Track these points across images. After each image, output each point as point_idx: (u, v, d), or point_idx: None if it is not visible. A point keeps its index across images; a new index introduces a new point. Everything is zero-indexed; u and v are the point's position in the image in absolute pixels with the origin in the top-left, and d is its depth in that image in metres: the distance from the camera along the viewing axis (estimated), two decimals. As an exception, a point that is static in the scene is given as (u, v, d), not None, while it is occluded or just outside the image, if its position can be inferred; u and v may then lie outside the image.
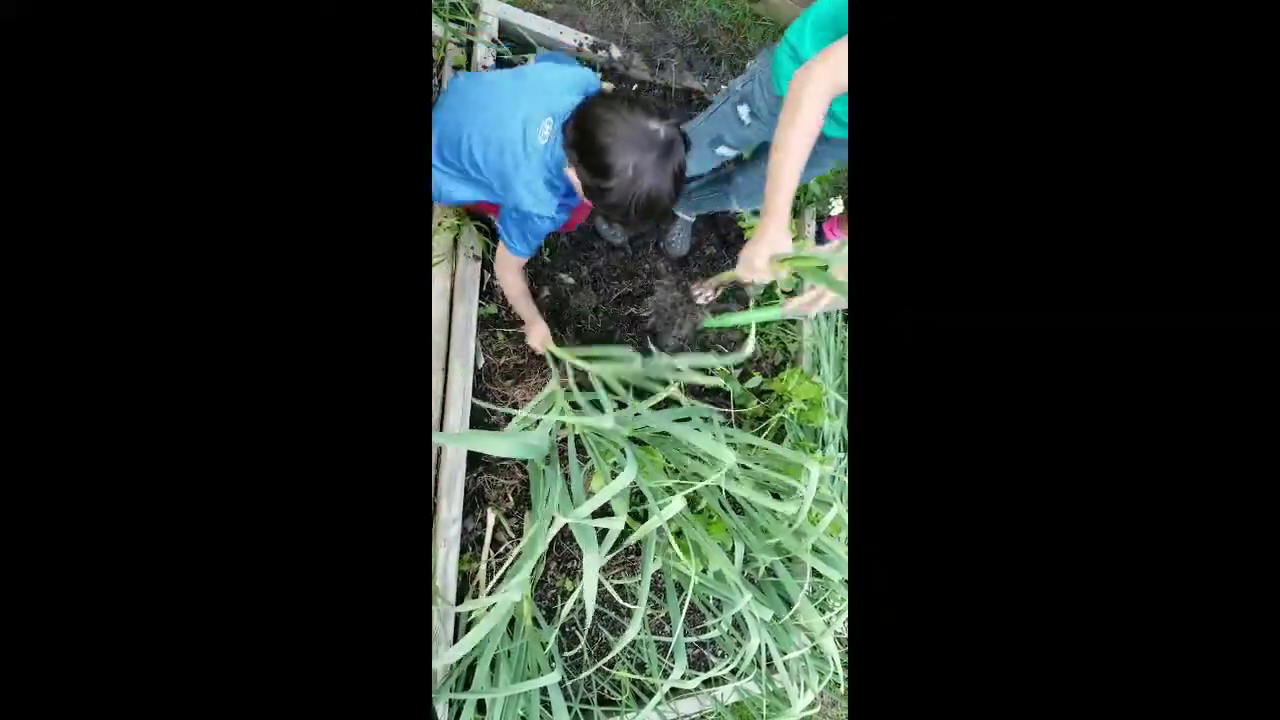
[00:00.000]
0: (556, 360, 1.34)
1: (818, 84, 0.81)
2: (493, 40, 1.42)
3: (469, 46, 1.41)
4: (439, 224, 1.33)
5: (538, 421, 1.19)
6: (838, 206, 1.92)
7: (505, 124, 0.98)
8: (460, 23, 1.40)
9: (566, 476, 1.19)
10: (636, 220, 0.93)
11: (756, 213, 1.75)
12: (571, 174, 0.96)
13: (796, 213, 1.87)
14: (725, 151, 1.25)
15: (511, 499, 1.39)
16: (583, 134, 0.90)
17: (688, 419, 1.28)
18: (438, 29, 1.37)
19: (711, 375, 1.22)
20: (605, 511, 1.05)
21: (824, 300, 1.07)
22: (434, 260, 1.32)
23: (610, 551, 1.17)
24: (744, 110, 1.16)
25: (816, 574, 1.22)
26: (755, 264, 0.91)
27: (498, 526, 1.36)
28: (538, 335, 1.32)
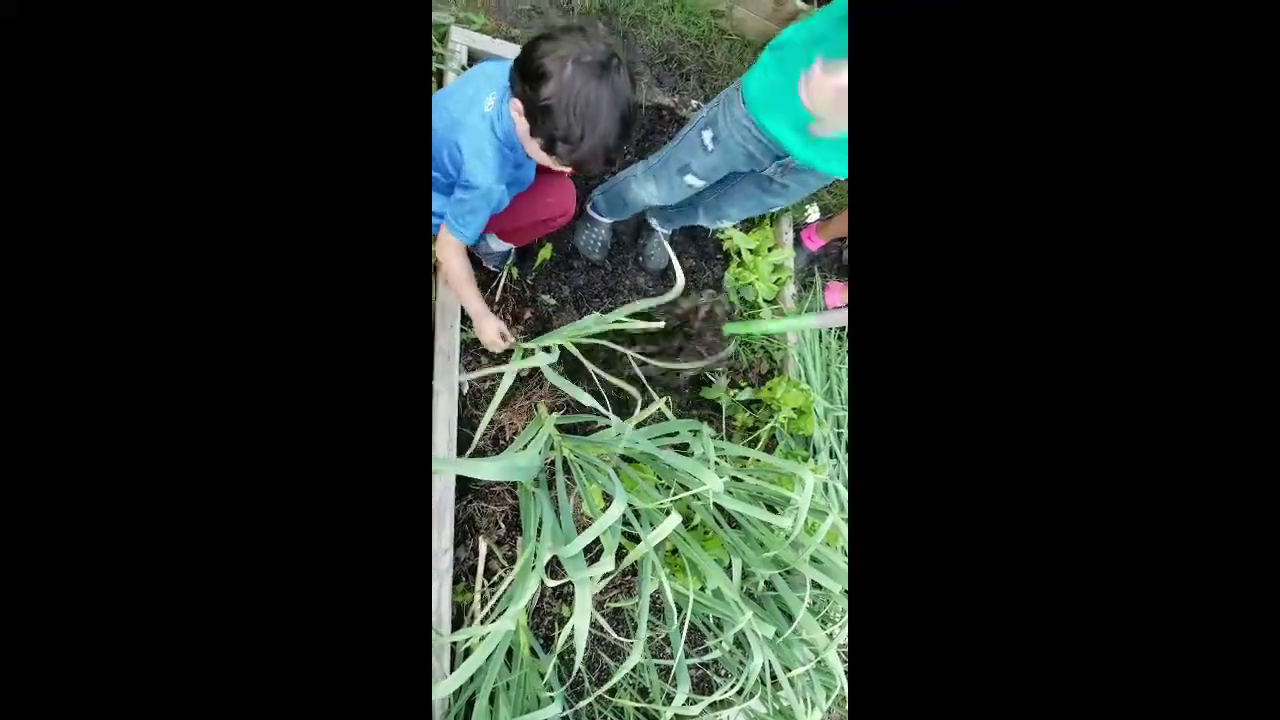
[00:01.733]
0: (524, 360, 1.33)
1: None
2: (462, 68, 1.42)
3: (439, 75, 1.42)
4: (416, 251, 1.32)
5: (526, 444, 1.17)
6: (814, 213, 1.94)
7: (451, 110, 1.05)
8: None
9: (555, 502, 1.17)
10: (577, 137, 0.91)
11: (743, 224, 1.77)
12: (515, 113, 0.96)
13: (773, 220, 1.88)
14: (693, 181, 1.28)
15: (503, 525, 1.37)
16: (524, 52, 0.92)
17: (675, 434, 1.26)
18: (406, 58, 1.37)
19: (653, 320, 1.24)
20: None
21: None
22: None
23: (605, 574, 1.15)
24: (708, 135, 1.18)
25: (817, 586, 1.20)
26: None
27: (490, 555, 1.33)
28: (490, 330, 1.25)
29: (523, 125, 0.97)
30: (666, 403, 1.26)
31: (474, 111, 1.02)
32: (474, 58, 1.47)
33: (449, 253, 1.15)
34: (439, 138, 1.07)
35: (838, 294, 1.89)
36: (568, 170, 1.14)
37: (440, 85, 1.41)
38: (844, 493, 1.43)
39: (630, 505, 1.15)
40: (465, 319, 1.40)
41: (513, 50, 1.51)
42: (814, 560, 1.20)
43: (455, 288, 1.22)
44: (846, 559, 1.24)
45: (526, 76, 0.91)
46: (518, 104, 0.95)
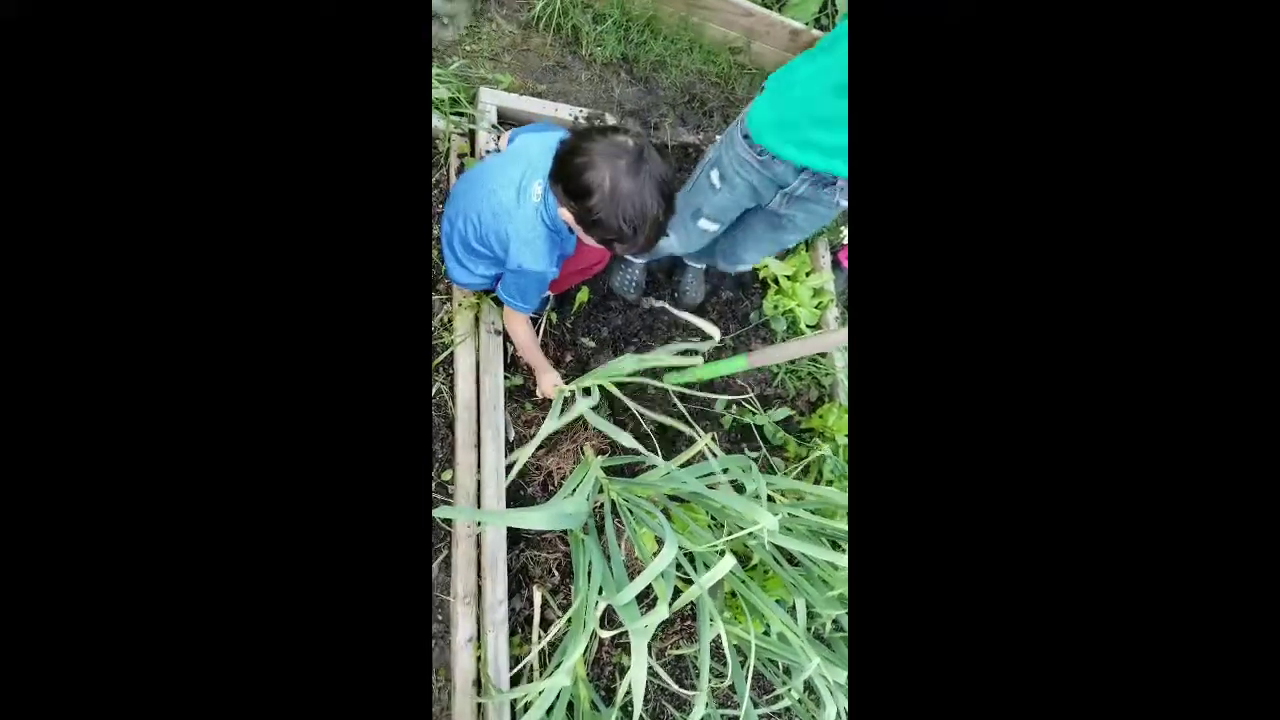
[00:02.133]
0: (571, 404, 1.32)
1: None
2: (493, 126, 1.48)
3: (471, 135, 1.48)
4: (459, 304, 1.35)
5: (574, 490, 1.16)
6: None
7: (498, 194, 1.08)
8: (461, 114, 1.47)
9: (605, 547, 1.14)
10: (631, 233, 0.97)
11: (784, 255, 1.76)
12: (564, 214, 1.02)
13: (809, 246, 1.85)
14: (706, 225, 1.30)
15: (557, 573, 1.35)
16: (562, 166, 0.97)
17: (724, 470, 1.23)
18: (439, 122, 1.44)
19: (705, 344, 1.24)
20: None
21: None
22: (458, 339, 1.33)
23: (662, 621, 1.11)
24: (714, 174, 1.21)
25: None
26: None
27: (545, 604, 1.31)
28: (548, 381, 1.33)
29: (577, 227, 1.02)
30: (713, 438, 1.23)
31: (523, 201, 1.06)
32: (503, 116, 1.53)
33: (515, 324, 1.24)
34: (485, 223, 1.11)
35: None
36: None
37: (473, 146, 1.47)
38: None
39: (682, 548, 1.11)
40: (508, 366, 1.41)
41: (540, 106, 1.57)
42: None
43: (524, 354, 1.33)
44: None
45: (572, 194, 0.96)
46: (568, 215, 1.00)
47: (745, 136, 1.11)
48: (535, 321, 1.49)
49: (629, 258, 1.59)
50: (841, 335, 1.25)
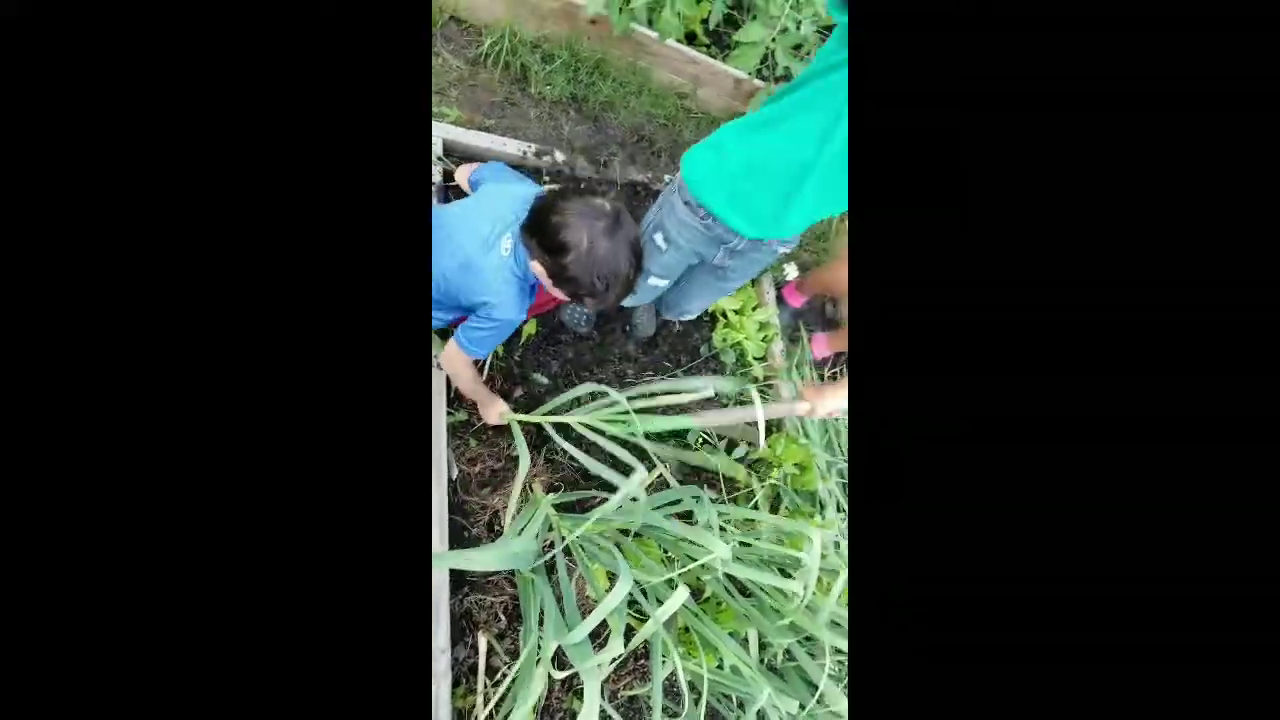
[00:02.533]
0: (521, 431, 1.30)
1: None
2: (438, 158, 1.48)
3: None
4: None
5: (522, 529, 1.13)
6: (792, 271, 1.98)
7: (465, 248, 1.07)
8: (407, 146, 1.46)
9: (557, 587, 1.11)
10: (602, 290, 1.00)
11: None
12: (535, 266, 1.03)
13: (754, 283, 1.91)
14: (656, 281, 1.34)
15: (504, 617, 1.29)
16: (538, 223, 0.99)
17: (678, 501, 1.22)
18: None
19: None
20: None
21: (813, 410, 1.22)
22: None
23: (614, 659, 1.08)
24: (659, 237, 1.25)
25: (839, 651, 1.13)
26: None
27: (491, 651, 1.25)
28: (493, 411, 1.31)
29: (547, 280, 1.04)
30: (667, 467, 1.23)
31: (491, 256, 1.06)
32: (450, 149, 1.53)
33: (460, 364, 1.20)
34: (450, 276, 1.09)
35: (824, 344, 1.90)
36: None
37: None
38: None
39: (636, 582, 1.09)
40: (451, 401, 1.38)
41: (488, 140, 1.58)
42: (833, 624, 1.14)
43: (467, 392, 1.31)
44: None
45: (547, 249, 0.98)
46: (539, 268, 1.02)
47: (686, 202, 1.16)
48: (477, 361, 1.47)
49: None
50: (782, 408, 1.30)
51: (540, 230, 0.99)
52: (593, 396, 1.41)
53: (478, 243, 1.07)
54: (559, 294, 1.06)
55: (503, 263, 1.06)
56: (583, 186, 1.04)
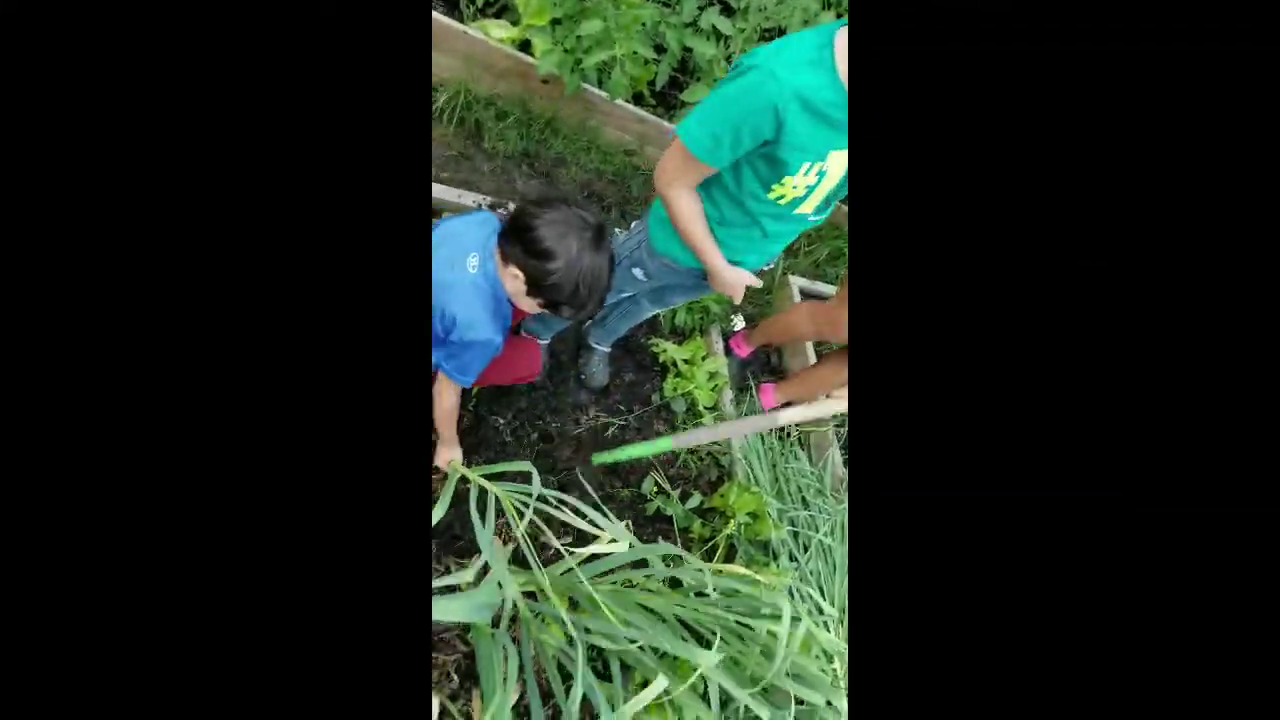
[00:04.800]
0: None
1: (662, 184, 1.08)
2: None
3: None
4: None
5: (479, 580, 1.08)
6: (739, 323, 2.06)
7: (434, 270, 1.06)
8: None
9: (516, 641, 1.07)
10: (584, 299, 1.00)
11: (675, 338, 1.87)
12: (509, 277, 1.02)
13: (703, 332, 1.97)
14: (639, 274, 1.35)
15: (455, 677, 1.23)
16: (521, 230, 0.98)
17: (644, 561, 1.21)
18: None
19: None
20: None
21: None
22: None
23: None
24: (638, 272, 1.30)
25: (799, 702, 1.13)
26: (727, 282, 1.17)
27: (444, 713, 1.17)
28: (446, 455, 1.29)
29: (517, 287, 1.03)
30: (628, 525, 1.22)
31: (459, 273, 1.05)
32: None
33: (448, 393, 1.19)
34: None
35: (771, 394, 1.97)
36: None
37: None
38: (814, 596, 1.40)
39: (593, 645, 1.07)
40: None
41: (442, 191, 1.59)
42: (793, 675, 1.14)
43: (440, 422, 1.27)
44: (825, 667, 1.19)
45: (530, 253, 0.98)
46: (515, 271, 1.01)
47: (653, 256, 1.23)
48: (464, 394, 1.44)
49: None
50: (768, 419, 1.33)
51: (523, 238, 0.98)
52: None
53: (444, 264, 1.06)
54: (530, 306, 1.05)
55: (470, 279, 1.05)
56: (566, 198, 1.07)
